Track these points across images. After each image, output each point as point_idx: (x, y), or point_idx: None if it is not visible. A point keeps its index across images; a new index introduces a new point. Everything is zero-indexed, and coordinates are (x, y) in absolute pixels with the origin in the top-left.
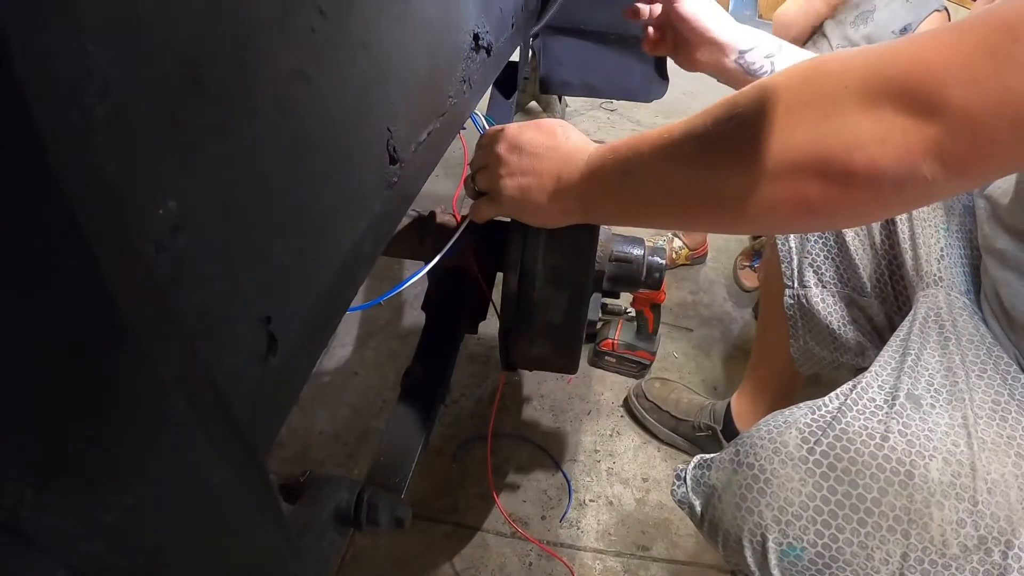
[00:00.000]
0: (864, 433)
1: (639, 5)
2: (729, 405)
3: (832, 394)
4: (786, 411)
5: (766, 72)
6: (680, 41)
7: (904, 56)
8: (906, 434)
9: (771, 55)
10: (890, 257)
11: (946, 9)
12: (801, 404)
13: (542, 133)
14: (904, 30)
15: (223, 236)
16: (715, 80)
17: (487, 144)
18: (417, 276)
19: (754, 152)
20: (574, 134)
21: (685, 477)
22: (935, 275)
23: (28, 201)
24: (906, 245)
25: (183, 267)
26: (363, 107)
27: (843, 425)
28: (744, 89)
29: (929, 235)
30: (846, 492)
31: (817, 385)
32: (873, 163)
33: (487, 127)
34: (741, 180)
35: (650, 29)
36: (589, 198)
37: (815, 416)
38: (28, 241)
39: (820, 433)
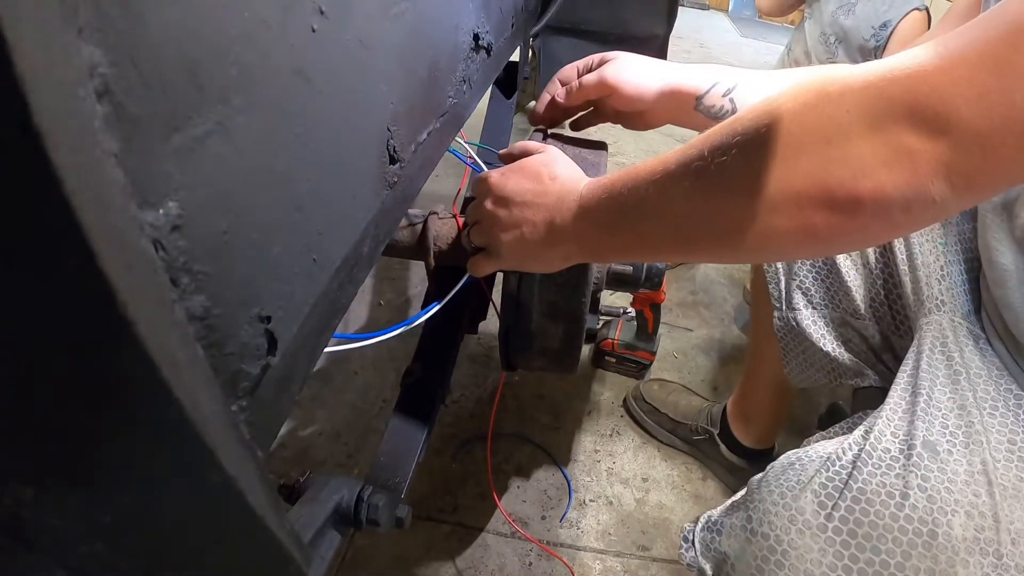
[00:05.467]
0: (883, 492)
1: (551, 96)
2: (725, 409)
3: (846, 443)
4: (797, 463)
5: (728, 112)
6: (624, 109)
7: (906, 74)
8: (926, 488)
9: (729, 91)
10: (885, 277)
11: (927, 8)
12: (811, 450)
13: (527, 178)
14: (883, 26)
15: (223, 236)
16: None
17: (476, 197)
18: (422, 318)
19: (756, 183)
20: (561, 168)
21: (693, 540)
22: (937, 299)
23: (28, 201)
24: (904, 267)
25: (183, 267)
26: (363, 107)
27: (860, 484)
28: (742, 115)
29: (927, 253)
30: (868, 559)
31: (815, 389)
32: (880, 189)
33: (467, 149)
34: (744, 212)
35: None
36: (587, 241)
37: (829, 475)
38: (28, 241)
39: (837, 495)
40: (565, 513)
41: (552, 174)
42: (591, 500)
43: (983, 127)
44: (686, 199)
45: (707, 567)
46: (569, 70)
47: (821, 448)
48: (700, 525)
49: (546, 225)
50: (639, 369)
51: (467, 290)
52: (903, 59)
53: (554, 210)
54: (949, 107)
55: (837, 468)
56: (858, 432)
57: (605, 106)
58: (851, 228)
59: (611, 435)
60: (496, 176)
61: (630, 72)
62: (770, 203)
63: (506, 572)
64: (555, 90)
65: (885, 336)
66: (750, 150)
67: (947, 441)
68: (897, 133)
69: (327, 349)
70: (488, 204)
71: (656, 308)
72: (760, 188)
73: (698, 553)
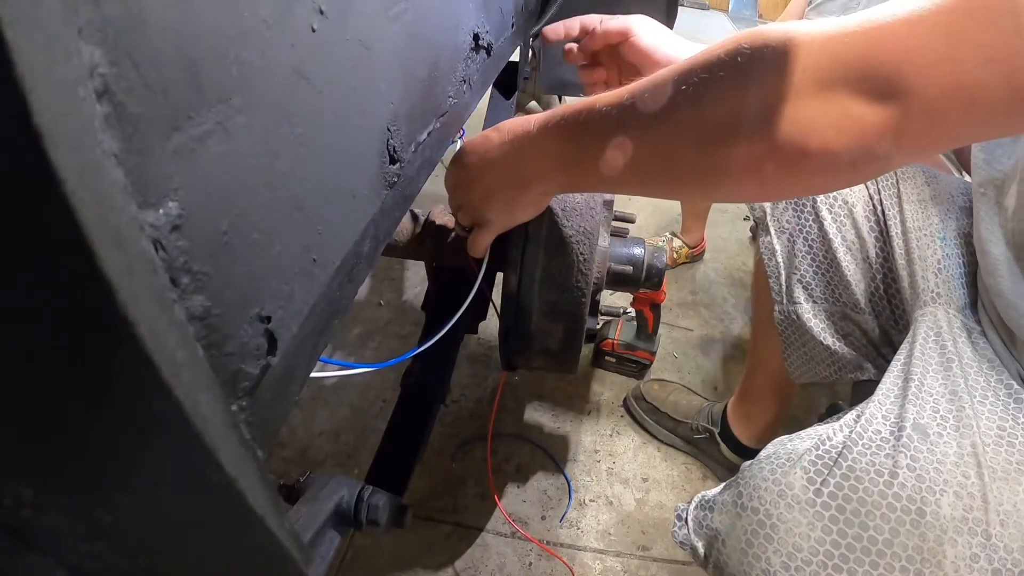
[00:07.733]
0: (872, 470)
1: (570, 46)
2: (726, 408)
3: (837, 425)
4: (788, 443)
5: None
6: (634, 75)
7: (863, 39)
8: (915, 468)
9: None
10: (885, 271)
11: None
12: (804, 433)
13: (475, 147)
14: None
15: (223, 236)
16: None
17: (448, 185)
18: (426, 346)
19: (708, 132)
20: (504, 124)
21: (686, 518)
22: (933, 291)
23: (28, 201)
24: (902, 261)
25: (183, 267)
26: (363, 107)
27: (849, 462)
28: (702, 57)
29: (925, 247)
30: (856, 535)
31: (816, 386)
32: (828, 147)
33: None
34: (696, 155)
35: (573, 47)
36: (552, 181)
37: (819, 452)
38: (28, 241)
39: (826, 472)
40: (565, 513)
41: (496, 130)
42: (591, 500)
43: (932, 95)
44: (641, 143)
45: (699, 544)
46: (592, 17)
47: (813, 431)
48: (694, 504)
49: (508, 171)
50: (639, 369)
51: (467, 290)
52: (863, 24)
53: (508, 154)
54: (900, 75)
55: (827, 447)
56: (850, 415)
57: (616, 55)
58: (799, 178)
59: (611, 435)
60: (452, 162)
61: (653, 33)
62: (722, 153)
63: (506, 572)
64: (575, 26)
65: (884, 330)
66: (704, 98)
67: (937, 424)
68: (848, 96)
69: (318, 375)
70: (454, 185)
71: (656, 308)
72: (712, 137)
73: (691, 531)
